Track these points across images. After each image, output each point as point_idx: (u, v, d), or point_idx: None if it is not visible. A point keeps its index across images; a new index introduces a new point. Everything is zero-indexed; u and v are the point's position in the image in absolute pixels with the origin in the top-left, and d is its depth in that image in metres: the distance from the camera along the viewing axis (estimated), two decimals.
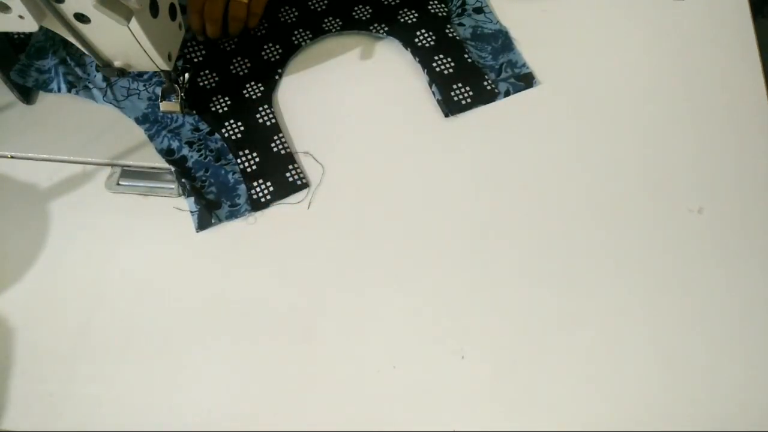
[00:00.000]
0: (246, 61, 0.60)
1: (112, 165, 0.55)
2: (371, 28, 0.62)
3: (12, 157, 0.55)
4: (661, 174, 0.54)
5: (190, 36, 0.60)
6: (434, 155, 0.55)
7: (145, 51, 0.45)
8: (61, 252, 0.51)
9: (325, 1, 0.64)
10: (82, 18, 0.42)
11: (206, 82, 0.59)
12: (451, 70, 0.58)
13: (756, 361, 0.46)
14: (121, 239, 0.52)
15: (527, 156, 0.55)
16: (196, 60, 0.60)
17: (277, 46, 0.61)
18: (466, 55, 0.59)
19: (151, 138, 0.55)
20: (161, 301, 0.49)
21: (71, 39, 0.44)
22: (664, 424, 0.44)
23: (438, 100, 0.57)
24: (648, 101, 0.57)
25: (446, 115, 0.56)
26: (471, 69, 0.58)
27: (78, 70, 0.58)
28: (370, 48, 0.61)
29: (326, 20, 0.62)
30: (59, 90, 0.57)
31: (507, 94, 0.57)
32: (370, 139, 0.56)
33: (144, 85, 0.58)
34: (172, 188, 0.54)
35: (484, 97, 0.57)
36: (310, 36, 0.61)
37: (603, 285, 0.49)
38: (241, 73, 0.59)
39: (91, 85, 0.57)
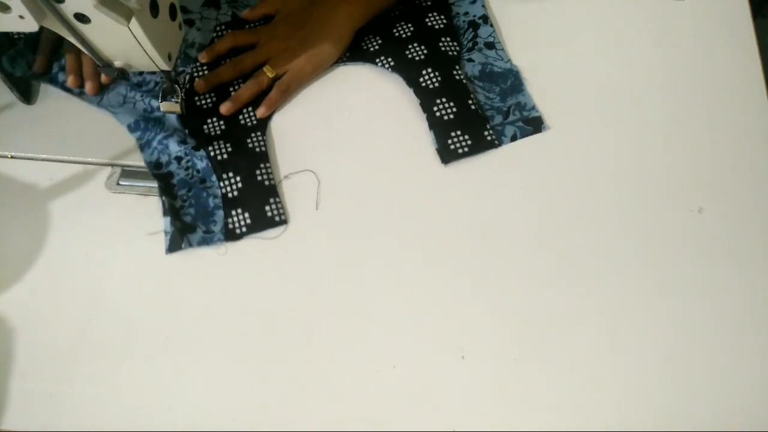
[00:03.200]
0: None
1: (112, 165, 0.55)
2: (377, 60, 0.59)
3: (12, 157, 0.55)
4: (661, 174, 0.53)
5: (194, 55, 0.60)
6: (435, 164, 0.55)
7: (145, 51, 0.45)
8: (61, 252, 0.51)
9: None
10: (82, 18, 0.42)
11: (203, 102, 0.58)
12: (451, 116, 0.55)
13: (756, 361, 0.46)
14: (121, 239, 0.52)
15: (528, 156, 0.55)
16: (198, 75, 0.59)
17: None
18: (470, 101, 0.56)
19: (142, 148, 0.55)
20: (161, 300, 0.49)
21: (71, 39, 0.44)
22: (665, 424, 0.44)
23: (436, 149, 0.55)
24: (648, 101, 0.57)
25: (444, 163, 0.54)
26: (473, 116, 0.55)
27: None
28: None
29: None
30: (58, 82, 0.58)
31: (514, 138, 0.55)
32: (369, 148, 0.56)
33: (141, 95, 0.57)
34: None
35: (482, 145, 0.54)
36: None
37: (603, 285, 0.49)
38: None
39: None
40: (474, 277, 0.49)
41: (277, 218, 0.52)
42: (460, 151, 0.54)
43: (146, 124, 0.56)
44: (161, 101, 0.53)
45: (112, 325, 0.48)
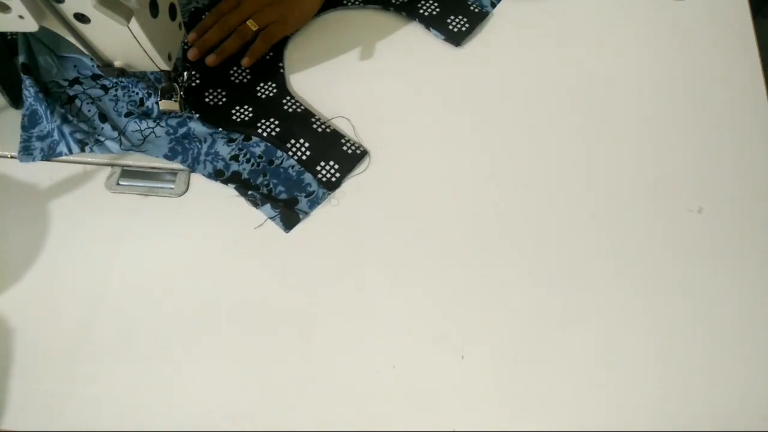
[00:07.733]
0: (243, 68, 0.59)
1: (112, 165, 0.55)
2: (345, 1, 0.63)
3: (12, 157, 0.55)
4: (661, 174, 0.54)
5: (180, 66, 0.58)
6: (436, 155, 0.55)
7: (145, 51, 0.45)
8: (61, 252, 0.51)
9: None
10: (82, 18, 0.42)
11: (216, 100, 0.58)
12: (438, 9, 0.62)
13: (756, 361, 0.46)
14: (121, 239, 0.52)
15: (527, 157, 0.55)
16: (194, 84, 0.58)
17: None
18: None
19: (193, 168, 0.54)
20: (161, 300, 0.49)
21: (71, 39, 0.44)
22: (664, 424, 0.44)
23: (444, 39, 0.60)
24: (648, 101, 0.57)
25: (457, 45, 0.60)
26: (455, 1, 0.63)
27: (83, 125, 0.54)
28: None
29: None
30: (71, 152, 0.53)
31: (493, 5, 0.63)
32: (371, 135, 0.56)
33: (155, 122, 0.55)
34: (172, 188, 0.54)
35: (477, 17, 0.62)
36: None
37: (603, 285, 0.49)
38: (245, 81, 0.59)
39: (102, 138, 0.53)
40: (474, 278, 0.49)
41: (358, 152, 0.54)
42: (463, 29, 0.61)
43: (180, 147, 0.54)
44: (160, 99, 0.53)
45: (112, 325, 0.48)
